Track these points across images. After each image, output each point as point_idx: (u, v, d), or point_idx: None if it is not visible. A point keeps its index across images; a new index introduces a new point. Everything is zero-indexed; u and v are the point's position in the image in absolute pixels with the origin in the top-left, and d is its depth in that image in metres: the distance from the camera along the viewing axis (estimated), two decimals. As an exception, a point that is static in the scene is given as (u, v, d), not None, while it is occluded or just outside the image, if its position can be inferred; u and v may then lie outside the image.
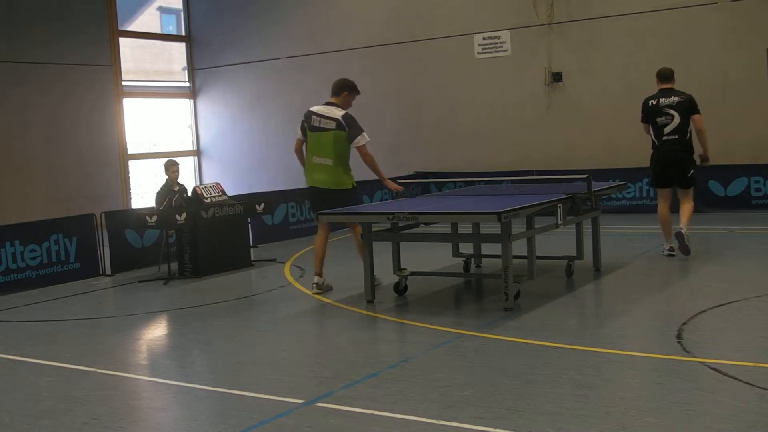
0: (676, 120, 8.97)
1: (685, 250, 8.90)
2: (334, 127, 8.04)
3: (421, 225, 7.69)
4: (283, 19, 17.85)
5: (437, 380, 5.17)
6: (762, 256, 9.46)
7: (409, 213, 7.00)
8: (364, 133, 8.07)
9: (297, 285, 8.92)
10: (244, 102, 18.75)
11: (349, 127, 8.02)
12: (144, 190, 18.15)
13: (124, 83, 17.79)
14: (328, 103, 8.21)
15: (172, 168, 10.62)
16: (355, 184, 8.26)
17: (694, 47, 13.62)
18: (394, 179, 8.69)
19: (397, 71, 16.51)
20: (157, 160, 16.64)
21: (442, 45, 15.98)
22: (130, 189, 17.83)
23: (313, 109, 8.24)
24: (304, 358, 6.05)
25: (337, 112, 8.09)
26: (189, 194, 10.38)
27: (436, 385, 5.06)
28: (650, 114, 9.11)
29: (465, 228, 9.14)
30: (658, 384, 4.91)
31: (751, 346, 5.70)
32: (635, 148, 14.13)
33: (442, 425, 4.35)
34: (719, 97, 13.42)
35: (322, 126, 8.10)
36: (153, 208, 10.52)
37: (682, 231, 8.90)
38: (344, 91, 8.23)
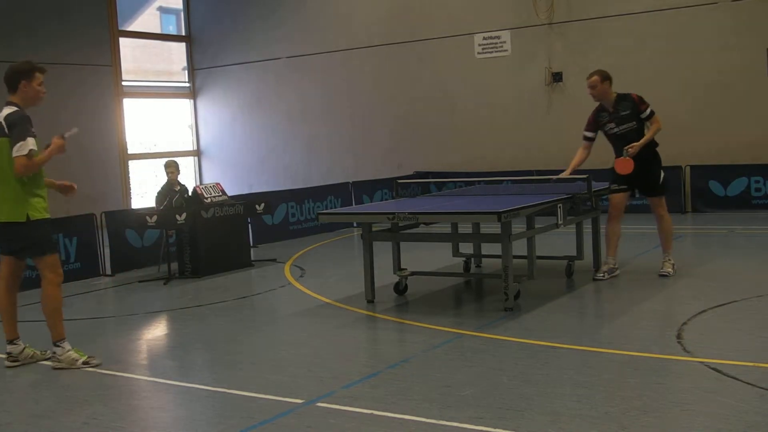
0: None
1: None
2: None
3: (421, 225, 7.69)
4: (283, 19, 17.85)
5: (437, 380, 5.17)
6: (762, 256, 9.46)
7: (409, 213, 7.00)
8: (30, 139, 5.82)
9: (297, 285, 8.92)
10: (244, 102, 18.75)
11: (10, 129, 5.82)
12: (144, 190, 18.15)
13: (124, 83, 17.80)
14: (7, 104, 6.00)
15: (170, 168, 10.63)
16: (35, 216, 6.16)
17: (694, 47, 13.61)
18: (394, 179, 8.65)
19: (397, 71, 16.51)
20: (158, 160, 16.64)
21: (442, 45, 15.98)
22: (130, 189, 17.83)
23: None
24: (304, 358, 6.04)
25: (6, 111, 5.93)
26: (189, 194, 10.38)
27: (436, 385, 5.05)
28: None
29: (465, 228, 9.13)
30: (658, 384, 4.91)
31: (751, 346, 5.70)
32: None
33: (442, 425, 4.35)
34: (719, 97, 13.43)
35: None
36: (153, 208, 10.52)
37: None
38: (21, 80, 6.08)
